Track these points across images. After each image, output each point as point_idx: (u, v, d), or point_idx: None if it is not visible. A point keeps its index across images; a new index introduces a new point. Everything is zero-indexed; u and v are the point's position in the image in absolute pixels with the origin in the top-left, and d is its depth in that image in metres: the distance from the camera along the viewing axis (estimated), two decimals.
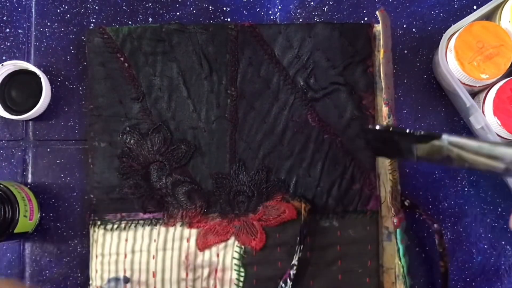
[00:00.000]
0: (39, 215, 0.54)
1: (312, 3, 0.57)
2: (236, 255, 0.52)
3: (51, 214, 0.55)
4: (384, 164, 0.53)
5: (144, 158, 0.53)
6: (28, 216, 0.52)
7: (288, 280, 0.50)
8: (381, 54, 0.51)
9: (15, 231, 0.51)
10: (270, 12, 0.57)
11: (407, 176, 0.55)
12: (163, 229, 0.53)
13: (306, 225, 0.51)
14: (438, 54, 0.51)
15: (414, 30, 0.56)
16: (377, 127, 0.46)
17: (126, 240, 0.52)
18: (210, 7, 0.57)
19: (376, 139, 0.46)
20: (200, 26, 0.54)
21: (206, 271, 0.52)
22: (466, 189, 0.55)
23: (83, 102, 0.56)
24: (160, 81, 0.54)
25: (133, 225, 0.53)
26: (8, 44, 0.56)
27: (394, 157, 0.49)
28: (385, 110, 0.50)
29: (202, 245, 0.52)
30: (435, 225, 0.51)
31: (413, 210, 0.52)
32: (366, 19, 0.56)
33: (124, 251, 0.52)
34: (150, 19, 0.56)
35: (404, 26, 0.56)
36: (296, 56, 0.54)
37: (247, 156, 0.53)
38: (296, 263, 0.50)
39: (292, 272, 0.50)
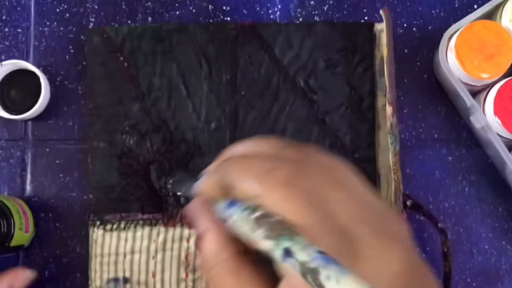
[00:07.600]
0: (34, 228, 0.54)
1: (312, 2, 0.56)
2: None
3: (50, 215, 0.55)
4: (386, 164, 0.52)
5: (144, 158, 0.53)
6: (23, 229, 0.52)
7: None
8: (385, 53, 0.51)
9: (11, 244, 0.50)
10: (270, 11, 0.57)
11: (408, 176, 0.55)
12: (162, 229, 0.52)
13: None
14: (439, 54, 0.51)
15: (414, 29, 0.56)
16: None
17: (126, 240, 0.52)
18: (210, 6, 0.56)
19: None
20: (200, 25, 0.54)
21: None
22: (466, 189, 0.55)
23: (83, 102, 0.56)
24: (159, 81, 0.53)
25: (132, 225, 0.52)
26: (7, 43, 0.56)
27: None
28: (389, 109, 0.50)
29: None
30: (440, 224, 0.51)
31: (416, 210, 0.52)
32: (366, 18, 0.56)
33: (123, 252, 0.52)
34: (150, 19, 0.56)
35: (405, 25, 0.56)
36: (296, 55, 0.53)
37: None
38: None
39: None
